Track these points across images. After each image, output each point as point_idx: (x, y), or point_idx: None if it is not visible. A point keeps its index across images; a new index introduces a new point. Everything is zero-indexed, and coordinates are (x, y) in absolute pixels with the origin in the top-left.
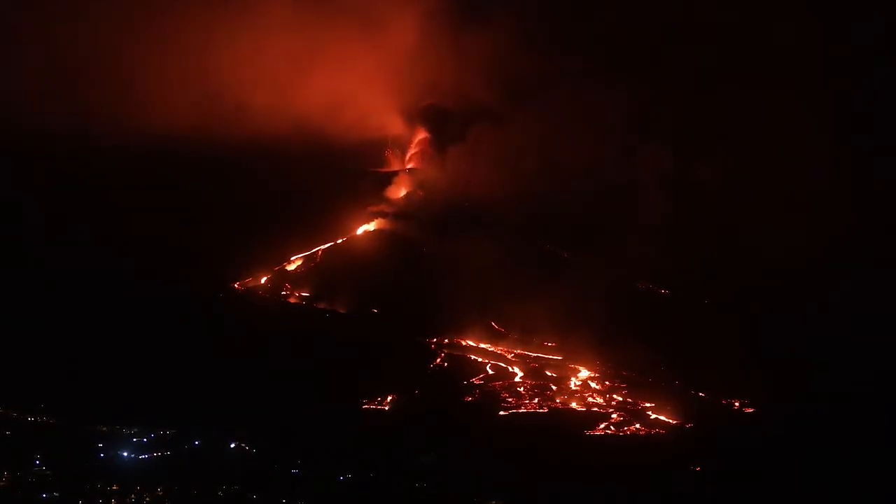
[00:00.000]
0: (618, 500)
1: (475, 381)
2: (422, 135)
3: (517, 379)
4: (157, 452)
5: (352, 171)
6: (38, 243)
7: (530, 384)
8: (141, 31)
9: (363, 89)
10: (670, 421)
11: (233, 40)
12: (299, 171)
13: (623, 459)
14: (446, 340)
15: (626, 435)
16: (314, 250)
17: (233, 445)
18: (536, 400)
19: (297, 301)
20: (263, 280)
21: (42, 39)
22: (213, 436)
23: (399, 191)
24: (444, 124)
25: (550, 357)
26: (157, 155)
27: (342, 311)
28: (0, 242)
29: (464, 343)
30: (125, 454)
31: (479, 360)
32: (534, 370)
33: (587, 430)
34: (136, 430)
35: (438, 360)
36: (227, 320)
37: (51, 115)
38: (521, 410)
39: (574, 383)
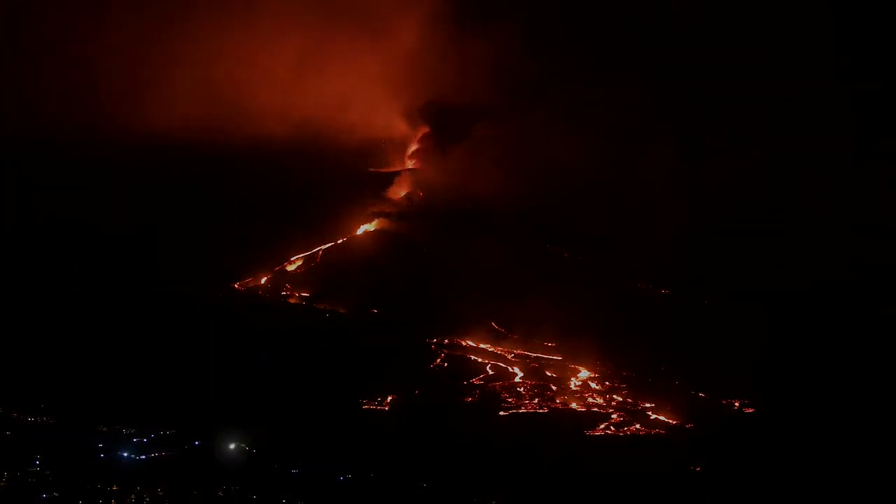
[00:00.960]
0: (618, 500)
1: (475, 381)
2: (423, 131)
3: (517, 379)
4: (157, 452)
5: (352, 171)
6: (39, 243)
7: (530, 384)
8: (144, 33)
9: (364, 89)
10: (670, 421)
11: (234, 41)
12: (300, 171)
13: (623, 459)
14: (446, 340)
15: (626, 435)
16: (314, 250)
17: (233, 445)
18: (536, 400)
19: (297, 301)
20: (263, 280)
21: (45, 41)
22: (213, 436)
23: (400, 191)
24: (445, 122)
25: (550, 357)
26: (157, 155)
27: (342, 311)
28: (0, 242)
29: (464, 343)
30: (125, 454)
31: (479, 360)
32: (534, 370)
33: (587, 430)
34: (135, 430)
35: (438, 360)
36: (227, 320)
37: (53, 116)
38: (521, 410)
39: (574, 383)
